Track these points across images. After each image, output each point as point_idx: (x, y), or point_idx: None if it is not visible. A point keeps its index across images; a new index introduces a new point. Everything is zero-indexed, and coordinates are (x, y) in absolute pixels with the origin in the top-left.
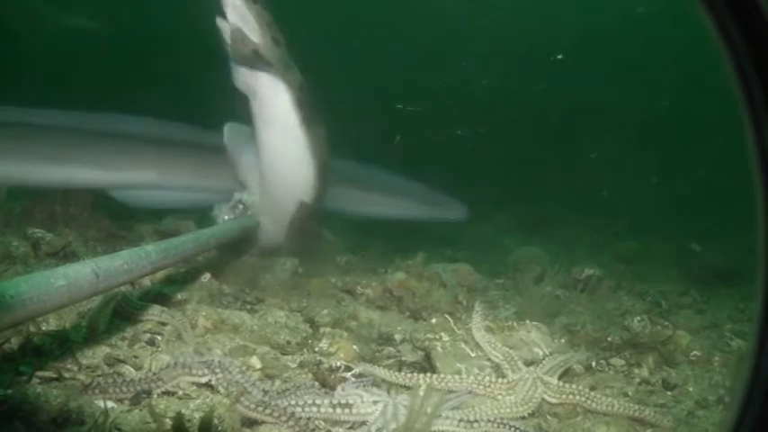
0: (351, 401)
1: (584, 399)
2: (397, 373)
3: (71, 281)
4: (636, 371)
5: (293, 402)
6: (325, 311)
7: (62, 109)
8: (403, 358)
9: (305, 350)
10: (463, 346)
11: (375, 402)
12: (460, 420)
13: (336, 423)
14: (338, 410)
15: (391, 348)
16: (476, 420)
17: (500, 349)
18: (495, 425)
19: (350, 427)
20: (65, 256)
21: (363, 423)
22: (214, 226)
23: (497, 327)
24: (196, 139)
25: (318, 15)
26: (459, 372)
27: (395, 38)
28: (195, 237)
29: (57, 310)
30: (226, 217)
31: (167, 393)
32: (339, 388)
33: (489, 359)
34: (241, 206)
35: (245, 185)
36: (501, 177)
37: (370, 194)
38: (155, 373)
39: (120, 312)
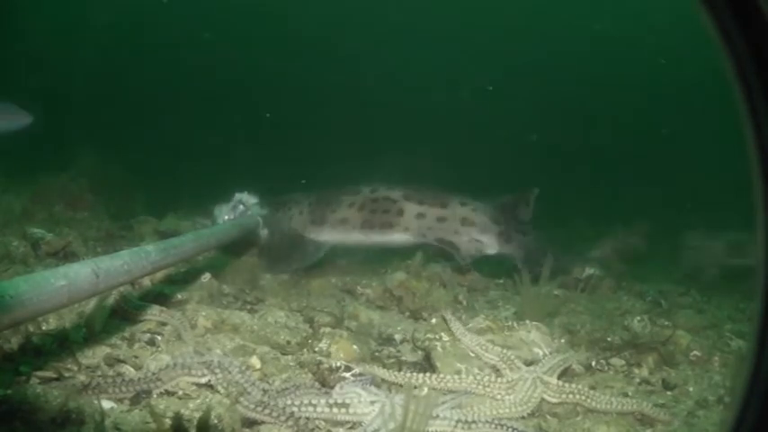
0: (348, 401)
1: (583, 398)
2: (396, 373)
3: (71, 281)
4: (636, 371)
5: (289, 402)
6: (326, 311)
7: None
8: (403, 358)
9: (305, 350)
10: (463, 346)
11: (372, 402)
12: (458, 421)
13: (336, 423)
14: (335, 410)
15: (391, 348)
16: (473, 421)
17: (493, 350)
18: (493, 426)
19: (350, 428)
20: (65, 256)
21: (361, 423)
22: (214, 226)
23: (497, 326)
24: None
25: None
26: (459, 372)
27: None
28: (195, 237)
29: (57, 310)
30: (226, 217)
31: (167, 393)
32: (337, 387)
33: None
34: (241, 206)
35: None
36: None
37: None
38: (154, 373)
39: (120, 312)
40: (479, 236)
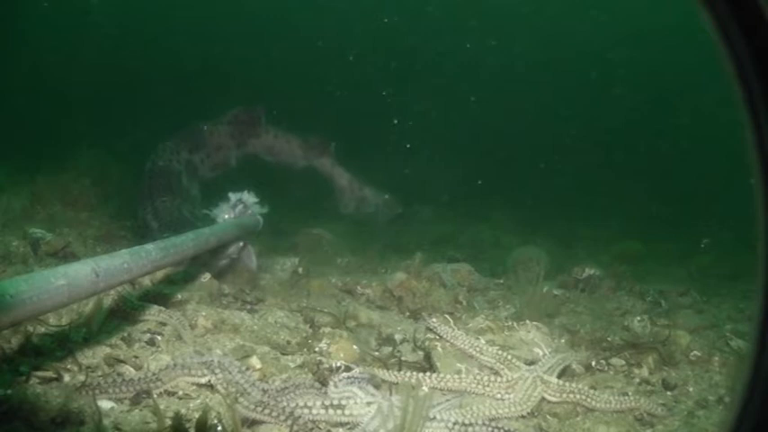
0: (344, 402)
1: (583, 397)
2: (396, 373)
3: (71, 280)
4: (636, 371)
5: (285, 404)
6: (326, 311)
7: None
8: (403, 358)
9: (305, 350)
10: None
11: (369, 404)
12: (455, 423)
13: (335, 424)
14: (330, 412)
15: (391, 348)
16: (471, 424)
17: (489, 352)
18: (490, 428)
19: (349, 428)
20: (65, 256)
21: (358, 424)
22: (214, 225)
23: (497, 326)
24: None
25: None
26: (459, 372)
27: None
28: (195, 236)
29: (57, 309)
30: (226, 216)
31: (167, 393)
32: (331, 384)
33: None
34: (241, 205)
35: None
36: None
37: None
38: (154, 374)
39: (119, 312)
40: (228, 152)
